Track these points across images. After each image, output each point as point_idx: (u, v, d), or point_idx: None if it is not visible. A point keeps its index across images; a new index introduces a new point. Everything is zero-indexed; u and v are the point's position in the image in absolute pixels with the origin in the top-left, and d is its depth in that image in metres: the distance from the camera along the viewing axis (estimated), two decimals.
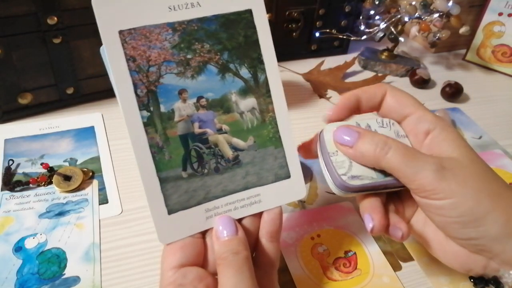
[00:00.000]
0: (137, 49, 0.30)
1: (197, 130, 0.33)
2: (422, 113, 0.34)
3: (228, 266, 0.29)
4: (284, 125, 0.35)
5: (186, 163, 0.32)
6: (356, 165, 0.34)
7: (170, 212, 0.31)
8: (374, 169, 0.34)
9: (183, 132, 0.32)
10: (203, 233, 0.33)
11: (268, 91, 0.34)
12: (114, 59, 0.30)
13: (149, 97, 0.31)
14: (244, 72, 0.34)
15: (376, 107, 0.36)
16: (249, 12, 0.33)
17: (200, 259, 0.32)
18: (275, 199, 0.34)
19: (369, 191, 0.34)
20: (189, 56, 0.32)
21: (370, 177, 0.33)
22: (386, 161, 0.32)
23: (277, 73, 0.34)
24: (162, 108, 0.31)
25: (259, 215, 0.34)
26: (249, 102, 0.34)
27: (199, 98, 0.33)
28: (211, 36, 0.33)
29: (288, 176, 0.35)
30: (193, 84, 0.32)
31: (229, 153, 0.34)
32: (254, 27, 0.33)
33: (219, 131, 0.34)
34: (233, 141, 0.34)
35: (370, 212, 0.34)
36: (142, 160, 0.31)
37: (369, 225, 0.33)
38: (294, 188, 0.35)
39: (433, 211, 0.32)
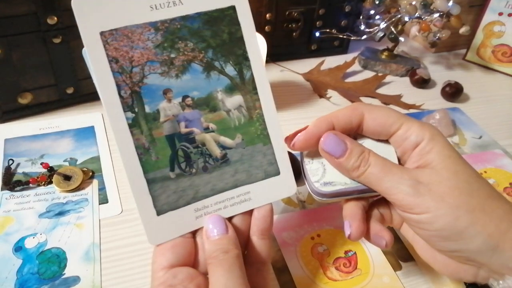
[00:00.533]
0: (119, 50, 0.30)
1: (183, 129, 0.33)
2: (406, 128, 0.33)
3: (218, 265, 0.29)
4: (272, 121, 0.34)
5: (174, 163, 0.32)
6: (329, 172, 0.34)
7: (159, 213, 0.31)
8: None
9: (169, 132, 0.32)
10: (194, 233, 0.33)
11: (255, 88, 0.34)
12: (96, 61, 0.29)
13: (133, 98, 0.31)
14: (230, 69, 0.33)
15: (353, 131, 0.35)
16: (232, 8, 0.33)
17: (191, 259, 0.32)
18: (265, 196, 0.34)
19: (344, 196, 0.35)
20: (172, 55, 0.32)
21: (343, 183, 0.34)
22: (364, 177, 0.33)
23: (263, 70, 0.34)
24: (147, 109, 0.31)
25: (249, 212, 0.34)
26: (236, 99, 0.34)
27: (185, 97, 0.32)
28: (194, 34, 0.32)
29: (278, 173, 0.34)
30: (177, 83, 0.32)
31: (217, 151, 0.33)
32: (238, 24, 0.33)
33: (206, 130, 0.33)
34: (221, 140, 0.34)
35: (349, 219, 0.34)
36: (129, 162, 0.30)
37: (347, 232, 0.34)
38: (284, 185, 0.35)
39: (413, 224, 0.32)
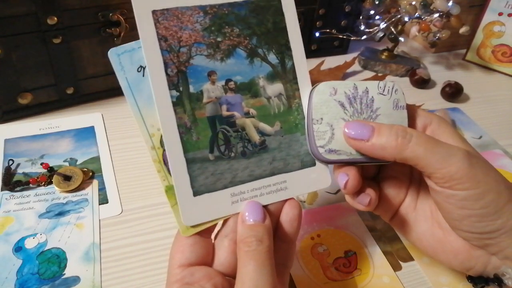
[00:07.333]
0: (169, 29, 0.31)
1: (225, 112, 0.33)
2: (417, 111, 0.34)
3: (252, 258, 0.28)
4: None
5: (213, 145, 0.32)
6: (337, 138, 0.33)
7: (195, 193, 0.31)
8: None
9: (211, 114, 0.32)
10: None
11: (295, 77, 0.34)
12: (146, 38, 0.30)
13: (179, 77, 0.31)
14: (272, 57, 0.34)
15: None
16: None
17: (209, 259, 0.31)
18: (301, 186, 0.34)
19: (343, 163, 0.33)
20: (219, 39, 0.32)
21: (348, 153, 0.33)
22: (410, 150, 0.30)
23: (304, 61, 0.35)
24: (191, 89, 0.32)
25: (280, 207, 0.33)
26: (276, 87, 0.34)
27: (228, 80, 0.33)
28: (241, 21, 0.33)
29: (314, 164, 0.34)
30: (222, 66, 0.33)
31: (256, 137, 0.33)
32: (282, 14, 0.34)
33: (247, 114, 0.34)
34: (260, 126, 0.34)
35: (346, 171, 0.32)
36: (170, 140, 0.31)
37: (343, 180, 0.32)
38: (319, 177, 0.34)
39: (455, 203, 0.30)
